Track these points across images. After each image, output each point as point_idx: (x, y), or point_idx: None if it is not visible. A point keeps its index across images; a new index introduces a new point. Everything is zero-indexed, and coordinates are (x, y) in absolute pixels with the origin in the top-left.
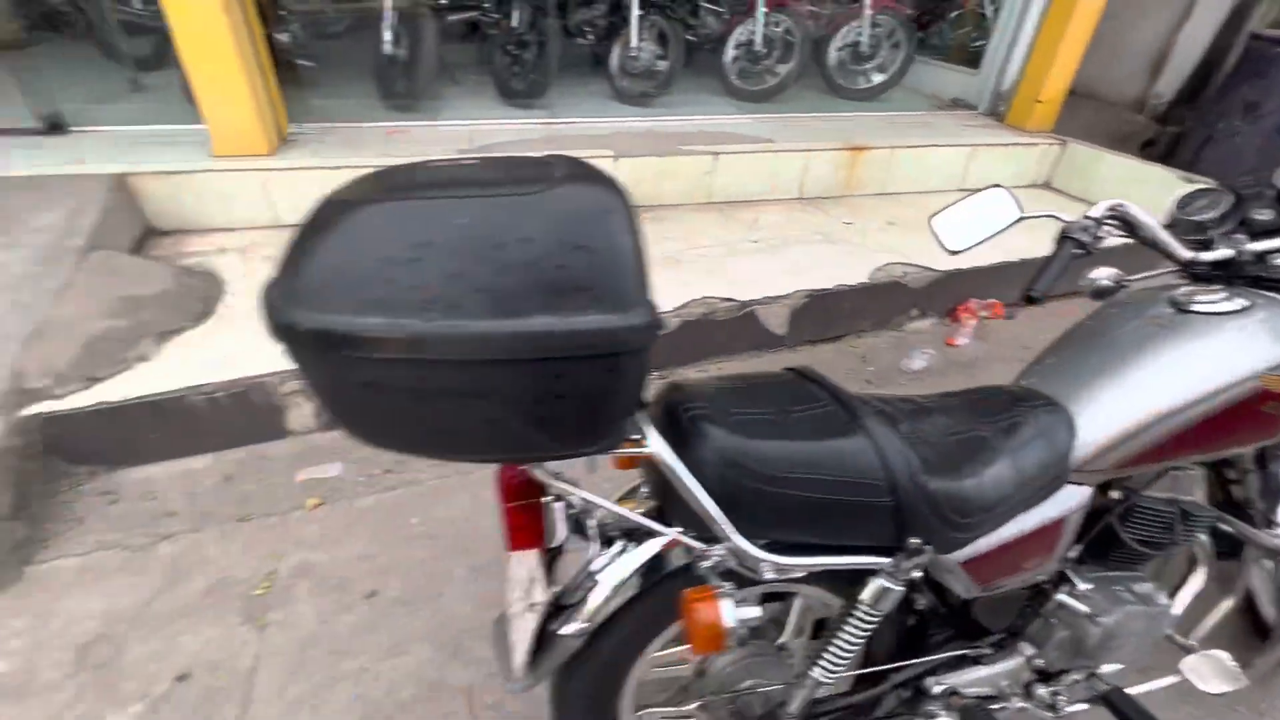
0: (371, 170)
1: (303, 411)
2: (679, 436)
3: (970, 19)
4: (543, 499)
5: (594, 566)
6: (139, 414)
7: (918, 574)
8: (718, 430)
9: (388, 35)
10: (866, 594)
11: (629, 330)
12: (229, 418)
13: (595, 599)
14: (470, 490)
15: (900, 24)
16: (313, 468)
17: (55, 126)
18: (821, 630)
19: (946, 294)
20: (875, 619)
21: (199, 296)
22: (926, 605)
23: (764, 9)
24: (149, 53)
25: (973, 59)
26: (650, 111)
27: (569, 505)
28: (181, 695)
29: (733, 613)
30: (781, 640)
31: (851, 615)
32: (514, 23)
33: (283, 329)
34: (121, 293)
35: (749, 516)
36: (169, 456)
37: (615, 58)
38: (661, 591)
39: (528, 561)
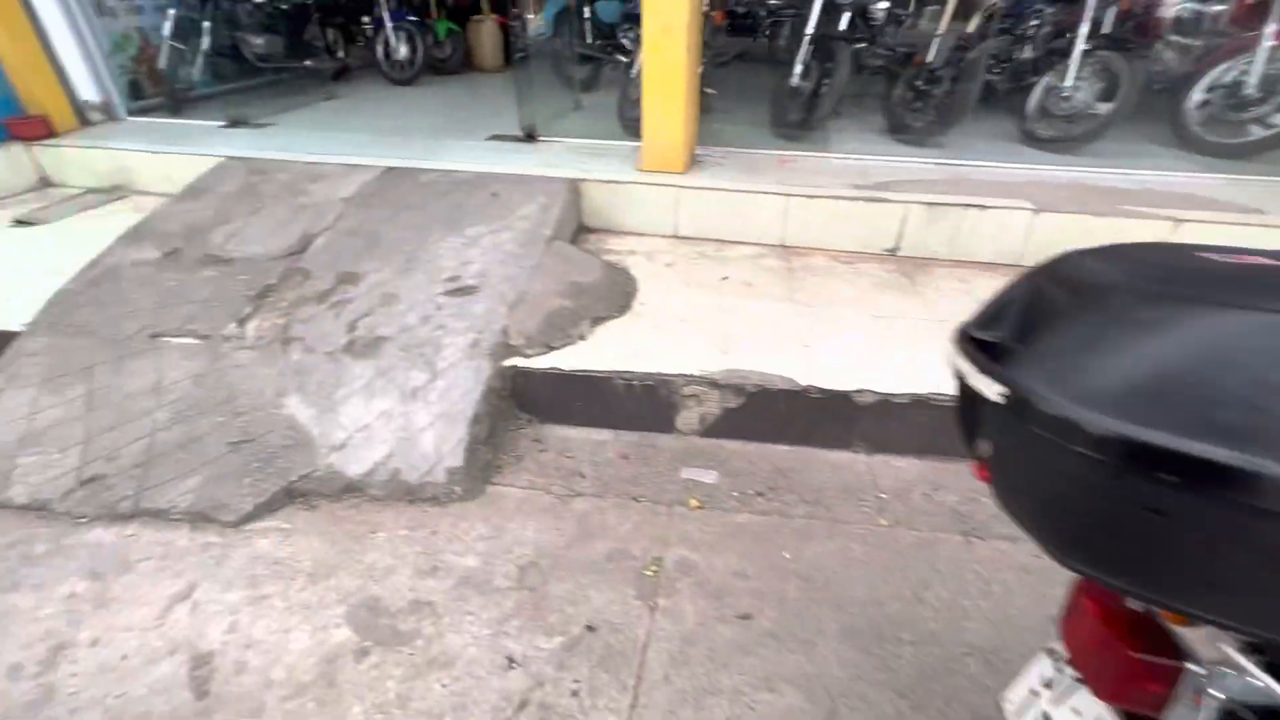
0: (1105, 245)
1: (691, 415)
2: None
3: None
4: (1187, 665)
5: None
6: (574, 383)
7: None
8: None
9: (799, 68)
10: None
11: None
12: (635, 404)
13: None
14: (839, 541)
15: None
16: (693, 469)
17: (530, 135)
18: None
19: None
20: None
21: (620, 291)
22: None
23: (1273, 41)
24: (587, 78)
25: None
26: (1074, 161)
27: (1198, 674)
28: (589, 644)
29: None
30: None
31: None
32: (929, 57)
33: (1033, 414)
34: (571, 278)
35: None
36: (583, 424)
37: (1035, 97)
38: None
39: (1110, 716)
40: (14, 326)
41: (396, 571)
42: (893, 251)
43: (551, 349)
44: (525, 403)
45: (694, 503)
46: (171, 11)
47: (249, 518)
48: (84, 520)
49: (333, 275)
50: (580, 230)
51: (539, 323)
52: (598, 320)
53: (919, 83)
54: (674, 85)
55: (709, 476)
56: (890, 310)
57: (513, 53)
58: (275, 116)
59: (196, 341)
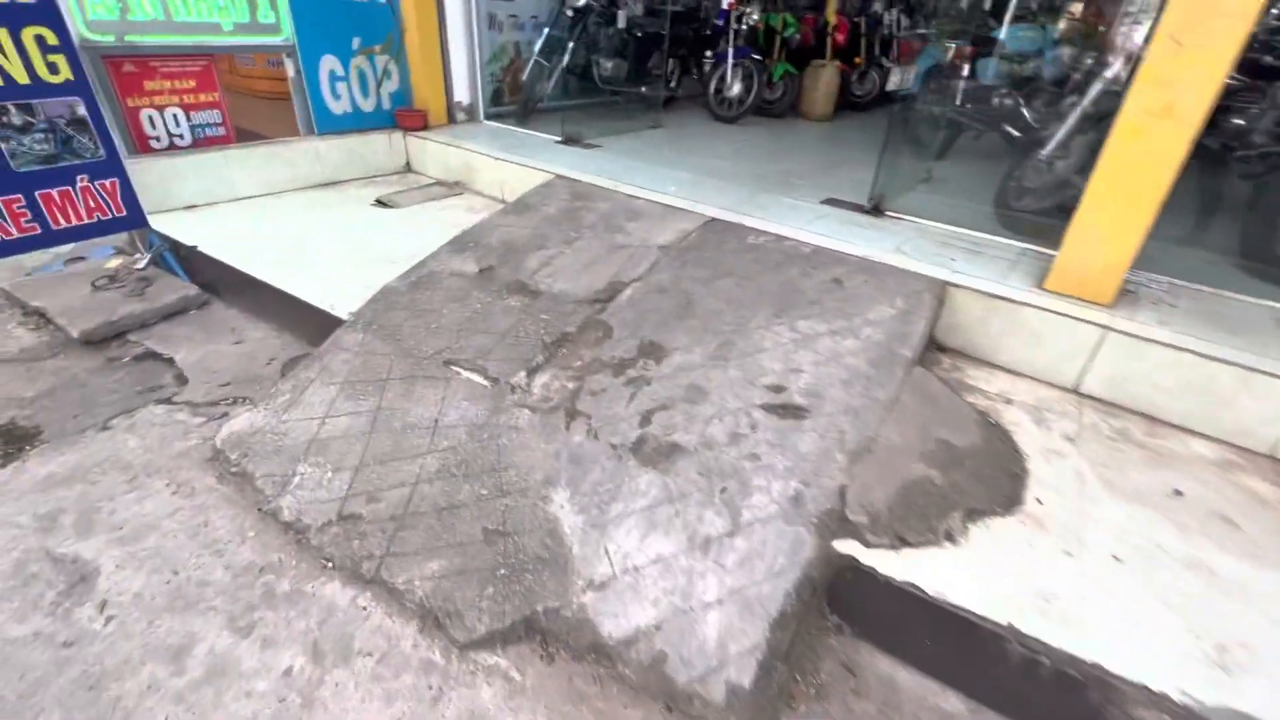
0: None
1: None
2: None
3: None
4: None
5: None
6: (934, 615)
7: None
8: None
9: None
10: None
11: None
12: (1031, 685)
13: None
14: None
15: None
16: None
17: (876, 209)
18: None
19: None
20: None
21: (1003, 469)
22: None
23: None
24: (941, 144)
25: None
26: None
27: None
28: None
29: None
30: None
31: None
32: None
33: None
34: (937, 433)
35: None
36: (924, 670)
37: None
38: None
39: None
40: (342, 314)
41: None
42: None
43: (905, 544)
44: (840, 601)
45: None
46: (546, 30)
47: (479, 644)
48: (329, 565)
49: (635, 342)
50: (930, 347)
51: (891, 496)
52: (973, 514)
53: None
54: (1149, 189)
55: None
56: None
57: (846, 103)
58: (604, 138)
59: (484, 382)
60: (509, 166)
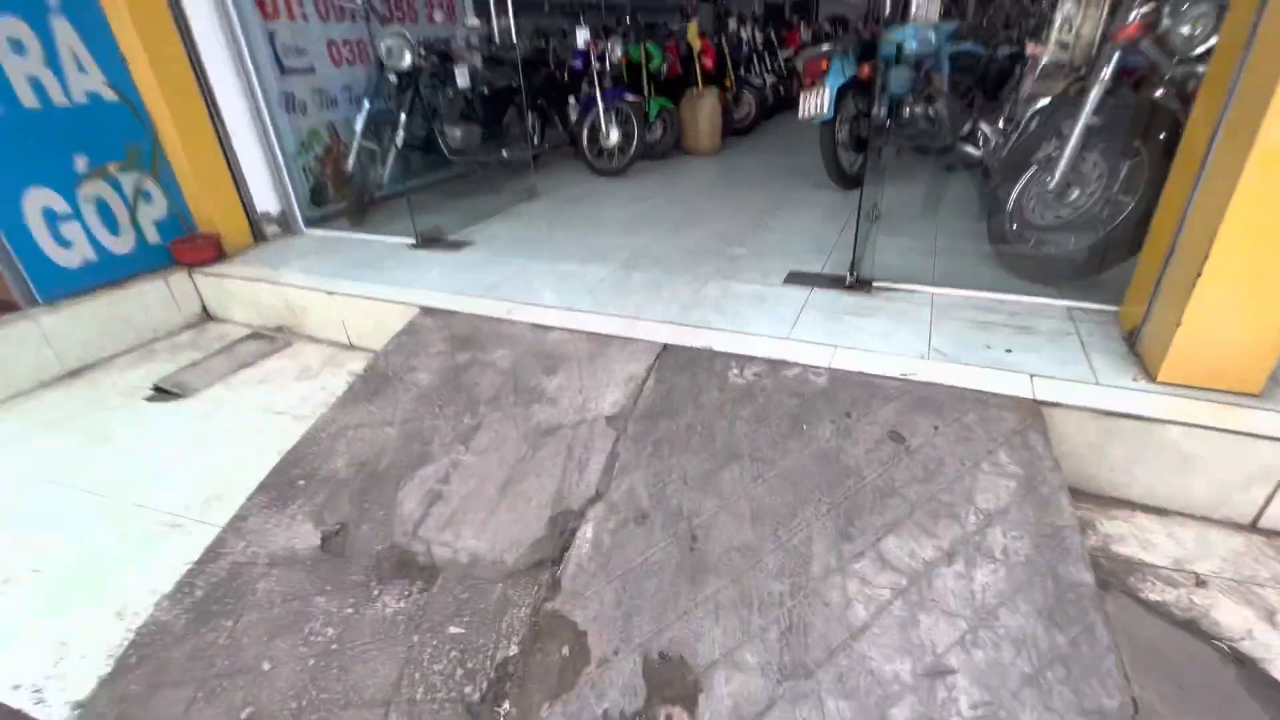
0: None
1: None
2: None
3: None
4: None
5: None
6: None
7: None
8: None
9: None
10: None
11: None
12: None
13: None
14: None
15: None
16: None
17: (859, 281)
18: None
19: None
20: None
21: None
22: None
23: None
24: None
25: None
26: None
27: None
28: None
29: None
30: None
31: None
32: None
33: None
34: None
35: None
36: None
37: None
38: None
39: None
40: (57, 710)
41: None
42: None
43: None
44: None
45: None
46: (366, 104)
47: None
48: None
49: (634, 661)
50: None
51: None
52: None
53: None
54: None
55: None
56: None
57: (728, 129)
58: (471, 227)
59: None
60: (350, 302)
